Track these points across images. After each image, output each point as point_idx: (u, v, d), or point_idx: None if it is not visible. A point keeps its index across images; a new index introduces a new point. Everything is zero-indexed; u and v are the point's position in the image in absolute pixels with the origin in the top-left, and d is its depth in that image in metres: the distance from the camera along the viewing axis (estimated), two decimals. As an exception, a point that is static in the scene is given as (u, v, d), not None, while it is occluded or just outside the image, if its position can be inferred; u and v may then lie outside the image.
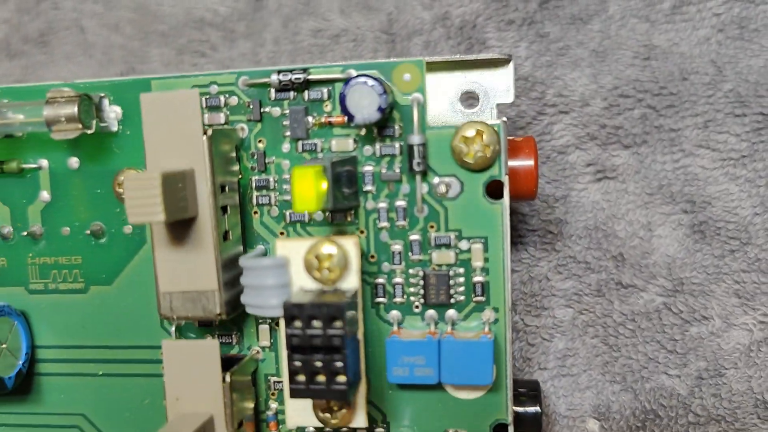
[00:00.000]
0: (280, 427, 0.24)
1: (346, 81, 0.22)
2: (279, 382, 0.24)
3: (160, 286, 0.21)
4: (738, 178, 0.27)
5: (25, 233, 0.25)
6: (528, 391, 0.24)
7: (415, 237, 0.23)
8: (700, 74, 0.28)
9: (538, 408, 0.23)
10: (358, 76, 0.22)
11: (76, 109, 0.23)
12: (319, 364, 0.20)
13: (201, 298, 0.21)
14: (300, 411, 0.23)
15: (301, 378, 0.21)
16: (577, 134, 0.28)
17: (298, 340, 0.20)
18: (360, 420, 0.22)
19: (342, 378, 0.20)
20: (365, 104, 0.21)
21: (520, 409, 0.23)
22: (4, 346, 0.23)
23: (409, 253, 0.23)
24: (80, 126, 0.23)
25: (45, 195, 0.25)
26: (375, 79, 0.21)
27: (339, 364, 0.20)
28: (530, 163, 0.23)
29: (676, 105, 0.28)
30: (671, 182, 0.28)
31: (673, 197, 0.28)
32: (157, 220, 0.20)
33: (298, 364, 0.20)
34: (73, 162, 0.25)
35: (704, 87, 0.28)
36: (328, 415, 0.22)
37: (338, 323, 0.20)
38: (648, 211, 0.28)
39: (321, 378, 0.21)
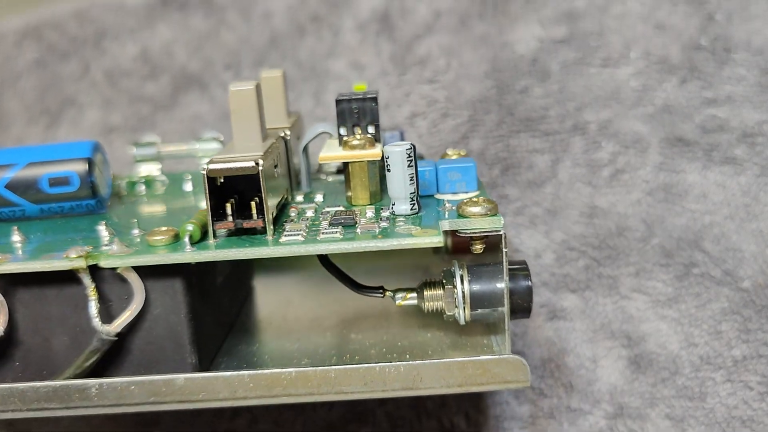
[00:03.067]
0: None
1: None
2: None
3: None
4: (665, 318, 0.32)
5: None
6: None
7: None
8: (633, 230, 0.34)
9: (529, 282, 0.25)
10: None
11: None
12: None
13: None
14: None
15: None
16: (532, 282, 0.34)
17: None
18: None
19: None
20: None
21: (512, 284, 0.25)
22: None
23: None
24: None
25: None
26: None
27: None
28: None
29: (614, 256, 0.34)
30: (612, 321, 0.33)
31: (614, 334, 0.33)
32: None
33: None
34: None
35: (636, 241, 0.34)
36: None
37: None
38: (593, 345, 0.33)
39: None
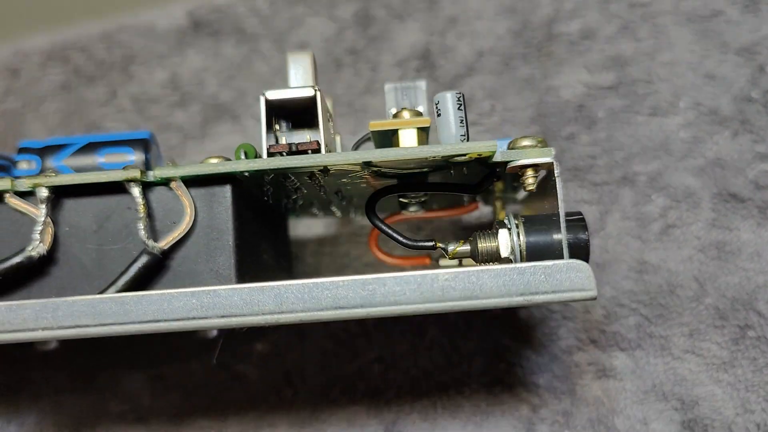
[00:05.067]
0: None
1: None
2: None
3: None
4: (720, 381, 0.32)
5: None
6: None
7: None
8: (685, 288, 0.33)
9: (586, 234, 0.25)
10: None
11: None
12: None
13: None
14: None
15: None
16: (580, 338, 0.33)
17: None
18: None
19: None
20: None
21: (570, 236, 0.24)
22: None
23: None
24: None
25: None
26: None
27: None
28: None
29: (665, 315, 0.33)
30: (663, 382, 0.32)
31: (666, 396, 0.32)
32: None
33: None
34: None
35: (689, 300, 0.33)
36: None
37: None
38: (643, 406, 0.32)
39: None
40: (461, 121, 0.25)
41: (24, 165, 0.26)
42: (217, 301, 0.22)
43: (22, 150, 0.26)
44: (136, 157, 0.26)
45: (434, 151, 0.23)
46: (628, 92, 0.37)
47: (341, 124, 0.40)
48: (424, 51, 0.40)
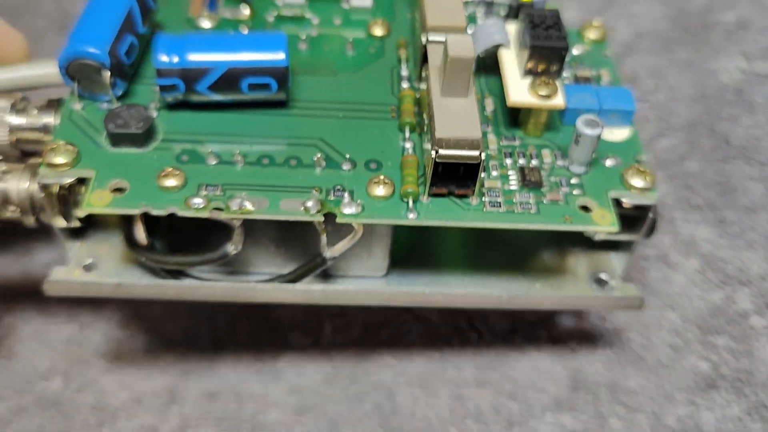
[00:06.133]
0: None
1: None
2: None
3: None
4: None
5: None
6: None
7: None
8: None
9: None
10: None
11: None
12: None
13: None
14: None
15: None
16: (756, 302, 0.34)
17: None
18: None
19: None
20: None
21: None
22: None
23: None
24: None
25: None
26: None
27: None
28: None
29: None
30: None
31: None
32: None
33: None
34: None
35: None
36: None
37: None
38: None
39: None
40: (594, 152, 0.26)
41: (168, 88, 0.27)
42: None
43: (163, 72, 0.26)
44: (277, 92, 0.27)
45: (567, 228, 0.26)
46: (785, 82, 0.39)
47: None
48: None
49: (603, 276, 0.28)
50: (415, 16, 0.31)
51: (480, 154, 0.24)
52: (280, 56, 0.26)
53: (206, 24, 0.30)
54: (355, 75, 0.29)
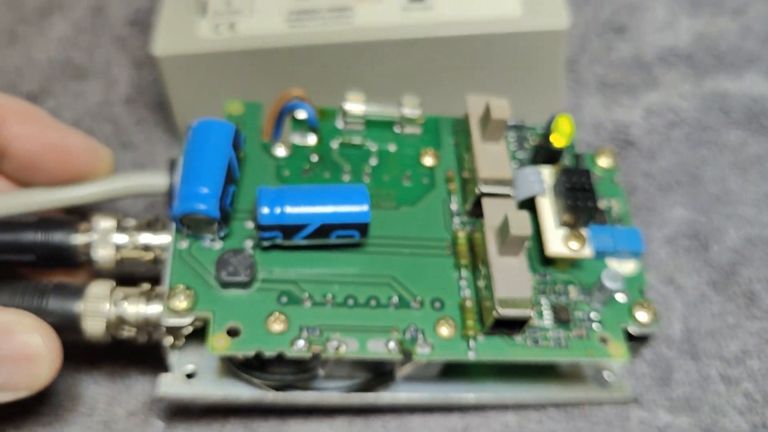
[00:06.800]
0: None
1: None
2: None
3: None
4: None
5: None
6: None
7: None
8: None
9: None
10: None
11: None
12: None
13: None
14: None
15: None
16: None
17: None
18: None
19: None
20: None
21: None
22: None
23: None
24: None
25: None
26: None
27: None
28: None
29: None
30: None
31: None
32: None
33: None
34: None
35: None
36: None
37: None
38: None
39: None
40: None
41: (268, 238, 0.31)
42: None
43: (265, 227, 0.31)
44: (358, 240, 0.32)
45: (583, 361, 0.33)
46: None
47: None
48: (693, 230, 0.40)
49: (605, 375, 0.35)
50: (460, 143, 0.36)
51: (531, 312, 0.30)
52: (364, 213, 0.31)
53: (281, 152, 0.35)
54: (413, 208, 0.34)
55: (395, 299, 0.32)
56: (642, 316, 0.33)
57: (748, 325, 0.36)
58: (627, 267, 0.35)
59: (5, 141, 0.32)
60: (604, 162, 0.38)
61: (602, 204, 0.36)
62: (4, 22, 0.50)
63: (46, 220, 0.33)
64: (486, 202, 0.33)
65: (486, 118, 0.34)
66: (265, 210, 0.31)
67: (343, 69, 0.40)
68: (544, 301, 0.33)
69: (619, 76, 0.46)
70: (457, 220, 0.34)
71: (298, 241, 0.31)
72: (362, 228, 0.31)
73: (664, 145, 0.43)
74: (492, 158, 0.34)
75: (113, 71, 0.48)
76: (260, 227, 0.31)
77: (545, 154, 0.35)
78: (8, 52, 0.49)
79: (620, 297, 0.34)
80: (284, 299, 0.31)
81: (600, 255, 0.34)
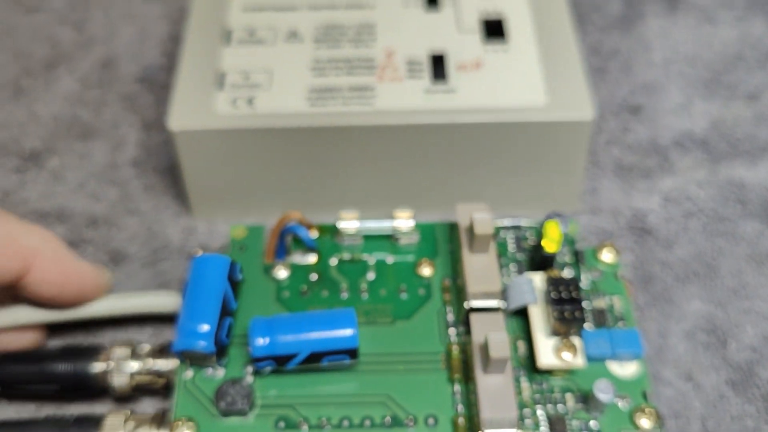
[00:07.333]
0: None
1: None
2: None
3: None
4: None
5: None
6: None
7: None
8: None
9: None
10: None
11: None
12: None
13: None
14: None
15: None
16: None
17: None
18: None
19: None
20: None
21: None
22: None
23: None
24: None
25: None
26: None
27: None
28: None
29: None
30: None
31: None
32: None
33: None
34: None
35: None
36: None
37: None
38: None
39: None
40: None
41: (262, 366, 0.33)
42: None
43: (259, 359, 0.33)
44: (349, 362, 0.33)
45: None
46: None
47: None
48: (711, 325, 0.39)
49: None
50: (455, 249, 0.37)
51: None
52: (351, 337, 0.32)
53: (282, 274, 0.36)
54: (409, 322, 0.35)
55: (388, 419, 0.33)
56: (644, 422, 0.33)
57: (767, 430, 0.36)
58: (628, 369, 0.34)
59: (30, 286, 0.35)
60: (606, 257, 0.37)
61: (602, 303, 0.36)
62: (9, 75, 0.50)
63: (68, 351, 0.36)
64: (474, 319, 0.33)
65: (471, 231, 0.35)
66: (258, 342, 0.32)
67: (363, 151, 0.40)
68: (540, 412, 0.33)
69: (636, 159, 0.46)
70: (453, 331, 0.35)
71: (292, 368, 0.33)
72: (351, 352, 0.33)
73: (681, 234, 0.43)
74: (480, 270, 0.35)
75: (121, 131, 0.47)
76: (254, 359, 0.32)
77: (539, 259, 0.36)
78: (12, 107, 0.48)
79: (621, 403, 0.33)
80: (282, 424, 0.32)
81: (599, 358, 0.34)
